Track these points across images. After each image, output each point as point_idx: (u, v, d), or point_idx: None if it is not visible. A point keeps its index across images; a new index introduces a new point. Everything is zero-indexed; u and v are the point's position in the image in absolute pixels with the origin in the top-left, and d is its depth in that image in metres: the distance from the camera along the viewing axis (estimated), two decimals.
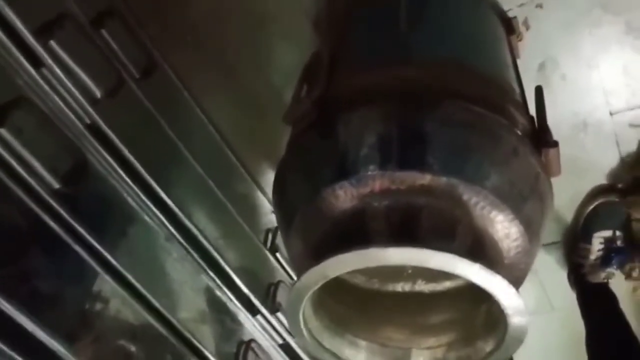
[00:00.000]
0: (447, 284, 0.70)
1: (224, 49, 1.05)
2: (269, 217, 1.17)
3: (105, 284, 0.73)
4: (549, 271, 1.33)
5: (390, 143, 0.54)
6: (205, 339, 0.90)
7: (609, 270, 1.22)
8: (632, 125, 1.13)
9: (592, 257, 1.23)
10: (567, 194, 1.23)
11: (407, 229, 0.52)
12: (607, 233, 1.22)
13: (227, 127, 1.06)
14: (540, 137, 0.62)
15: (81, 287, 0.72)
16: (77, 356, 0.65)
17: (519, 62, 0.79)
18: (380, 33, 0.69)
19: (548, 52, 1.05)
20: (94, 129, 0.72)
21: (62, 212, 0.66)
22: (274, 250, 1.12)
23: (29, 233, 0.64)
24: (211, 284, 0.95)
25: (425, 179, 0.53)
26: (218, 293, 0.96)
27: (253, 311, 1.02)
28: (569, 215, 1.27)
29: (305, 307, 0.57)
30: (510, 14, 0.87)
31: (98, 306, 0.72)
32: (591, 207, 1.23)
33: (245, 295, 1.00)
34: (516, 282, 0.53)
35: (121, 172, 0.77)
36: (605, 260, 1.22)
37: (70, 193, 0.67)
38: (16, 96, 0.63)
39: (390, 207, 0.53)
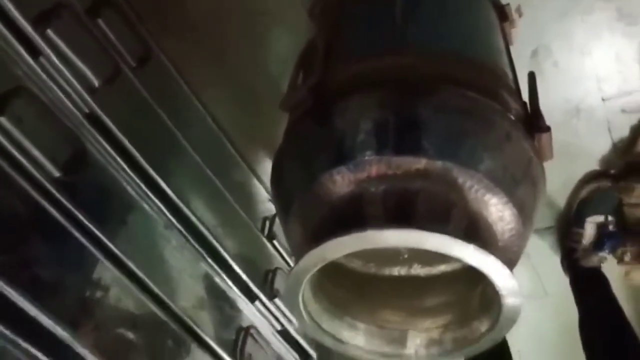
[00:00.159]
0: (442, 268, 0.71)
1: (219, 37, 1.05)
2: (266, 205, 1.18)
3: (106, 271, 0.74)
4: (543, 256, 1.34)
5: (387, 129, 0.55)
6: (205, 325, 0.92)
7: (602, 254, 1.24)
8: (624, 111, 1.15)
9: (585, 241, 1.24)
10: (560, 180, 1.25)
11: (403, 212, 0.53)
12: (600, 218, 1.23)
13: (224, 116, 1.07)
14: (533, 122, 0.63)
15: (82, 273, 0.72)
16: (80, 342, 0.66)
17: (512, 48, 0.79)
18: (375, 21, 0.70)
19: (541, 39, 1.05)
20: (92, 118, 0.73)
21: (62, 200, 0.67)
22: (271, 237, 1.14)
23: (30, 221, 0.65)
24: (210, 271, 0.96)
25: (421, 163, 0.54)
26: (217, 280, 0.97)
27: (251, 298, 1.03)
28: (562, 200, 1.28)
29: (305, 291, 0.59)
30: (503, 1, 0.87)
31: (99, 293, 0.73)
32: (584, 192, 1.24)
33: (244, 282, 1.01)
34: (510, 263, 0.54)
35: (120, 160, 0.78)
36: (598, 244, 1.23)
37: (70, 181, 0.68)
38: (15, 86, 0.63)
39: (387, 191, 0.54)
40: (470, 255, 0.50)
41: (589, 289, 1.24)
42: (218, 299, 0.99)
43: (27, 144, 0.62)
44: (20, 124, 0.62)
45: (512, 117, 0.60)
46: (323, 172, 0.56)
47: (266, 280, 1.07)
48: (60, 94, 0.69)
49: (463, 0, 0.77)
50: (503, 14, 0.83)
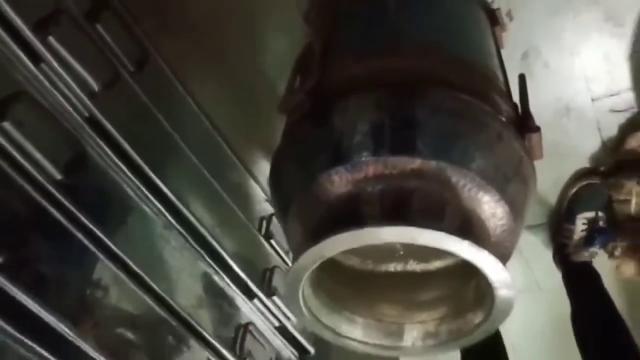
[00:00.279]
0: (437, 264, 0.73)
1: (216, 40, 1.06)
2: (263, 205, 1.19)
3: (106, 270, 0.75)
4: (535, 252, 1.36)
5: (383, 130, 0.57)
6: (205, 322, 0.93)
7: (592, 249, 1.26)
8: (613, 111, 1.17)
9: (576, 237, 1.26)
10: (551, 177, 1.27)
11: (399, 210, 0.55)
12: (590, 214, 1.26)
13: (221, 118, 1.08)
14: (523, 122, 0.65)
15: (83, 272, 0.74)
16: (82, 338, 0.68)
17: (503, 51, 0.81)
18: (370, 24, 0.72)
19: (531, 41, 1.07)
20: (92, 122, 0.74)
21: (63, 201, 0.68)
22: (268, 236, 1.15)
23: (32, 221, 0.66)
24: (209, 270, 0.97)
25: (416, 163, 0.56)
26: (216, 278, 0.99)
27: (250, 295, 1.05)
28: (553, 197, 1.31)
29: (304, 287, 0.60)
30: (494, 6, 0.89)
31: (100, 292, 0.75)
32: (574, 189, 1.26)
33: (242, 280, 1.03)
34: (502, 258, 0.56)
35: (119, 162, 0.79)
36: (589, 240, 1.25)
37: (71, 183, 0.69)
38: (17, 90, 0.65)
39: (384, 190, 0.56)
40: (464, 250, 0.52)
41: (581, 283, 1.26)
42: (217, 297, 1.00)
43: (28, 147, 0.64)
44: (22, 127, 0.63)
45: (503, 119, 0.62)
46: (321, 173, 0.58)
47: (264, 279, 1.09)
48: (61, 99, 0.71)
49: (455, 4, 0.79)
50: (494, 18, 0.85)
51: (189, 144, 0.95)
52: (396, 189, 0.56)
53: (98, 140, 0.75)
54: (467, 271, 0.61)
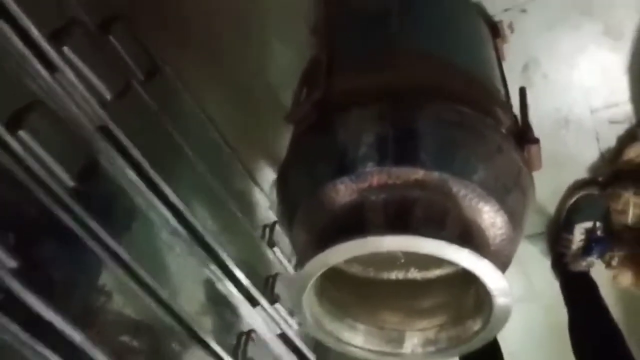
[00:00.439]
0: (437, 272, 0.75)
1: (223, 52, 1.08)
2: (266, 214, 1.21)
3: (113, 275, 0.77)
4: (534, 261, 1.38)
5: (387, 142, 0.59)
6: (208, 329, 0.95)
7: (590, 259, 1.27)
8: (612, 122, 1.19)
9: (574, 247, 1.28)
10: (549, 188, 1.28)
11: (402, 219, 0.57)
12: (588, 224, 1.27)
13: (226, 127, 1.10)
14: (522, 134, 0.67)
15: (91, 277, 0.75)
16: (89, 342, 0.69)
17: (504, 63, 0.84)
18: (374, 38, 0.74)
19: (531, 54, 1.09)
20: (104, 131, 0.76)
21: (75, 207, 0.70)
22: (271, 244, 1.17)
23: (46, 227, 0.68)
24: (213, 277, 0.99)
25: (419, 173, 0.58)
26: (219, 285, 1.00)
27: (253, 302, 1.06)
28: (551, 207, 1.32)
29: (309, 294, 0.62)
30: (496, 19, 0.91)
31: (106, 296, 0.76)
32: (573, 199, 1.28)
33: (245, 287, 1.04)
34: (501, 267, 0.58)
35: (129, 170, 0.81)
36: (587, 249, 1.27)
37: (83, 190, 0.71)
38: (32, 100, 0.66)
39: (387, 199, 0.58)
40: (464, 259, 0.54)
41: (578, 292, 1.28)
42: (220, 303, 1.02)
43: (43, 155, 0.65)
44: (37, 136, 0.65)
45: (503, 130, 0.64)
46: (327, 182, 0.60)
47: (267, 286, 1.10)
48: (75, 108, 0.72)
49: (458, 17, 0.81)
50: (496, 31, 0.87)
51: (195, 152, 0.97)
52: (399, 199, 0.58)
53: (109, 148, 0.77)
54: (467, 279, 0.63)
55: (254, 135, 1.18)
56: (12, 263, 0.59)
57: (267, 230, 1.19)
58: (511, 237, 0.62)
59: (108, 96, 0.75)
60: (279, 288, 1.11)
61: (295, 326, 1.12)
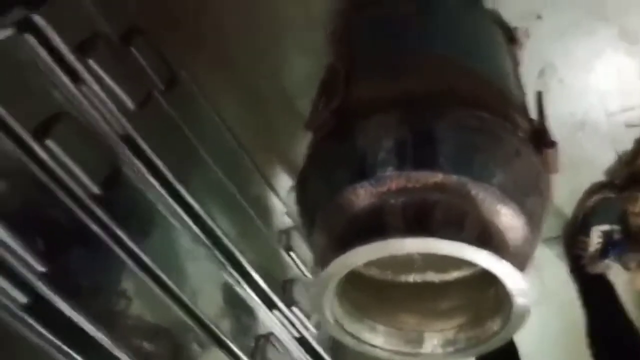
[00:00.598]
0: (455, 274, 0.75)
1: (240, 60, 1.10)
2: (283, 219, 1.23)
3: (137, 279, 0.78)
4: (550, 264, 1.38)
5: (406, 146, 0.60)
6: (227, 331, 0.96)
7: (607, 262, 1.27)
8: (628, 125, 1.19)
9: (591, 249, 1.28)
10: (566, 191, 1.28)
11: (421, 221, 0.58)
12: (605, 227, 1.27)
13: (242, 133, 1.12)
14: (540, 138, 0.68)
15: (116, 281, 0.77)
16: (114, 344, 0.71)
17: (520, 69, 0.84)
18: (391, 45, 0.75)
19: (547, 59, 1.10)
20: (127, 139, 0.78)
21: (100, 214, 0.72)
22: (288, 249, 1.18)
23: (73, 233, 0.70)
24: (232, 281, 1.00)
25: (438, 177, 0.59)
26: (238, 289, 1.02)
27: (271, 306, 1.07)
28: (568, 210, 1.32)
29: (330, 295, 0.63)
30: (512, 25, 0.92)
31: (129, 300, 0.78)
32: (589, 202, 1.28)
33: (263, 291, 1.05)
34: (520, 267, 0.59)
35: (151, 178, 0.83)
36: (604, 252, 1.26)
37: (107, 197, 0.73)
38: (59, 111, 0.68)
39: (406, 203, 0.59)
40: (484, 260, 0.55)
41: (596, 295, 1.27)
42: (239, 307, 1.03)
43: (69, 163, 0.67)
44: (63, 145, 0.67)
45: (521, 134, 0.65)
46: (347, 187, 0.61)
47: (284, 290, 1.11)
48: (99, 118, 0.75)
49: (474, 24, 0.82)
50: (512, 37, 0.88)
51: (213, 158, 0.99)
52: (418, 202, 0.59)
53: (132, 156, 0.79)
54: (484, 281, 0.64)
55: (270, 141, 1.20)
56: (42, 268, 0.61)
57: (284, 235, 1.20)
58: (529, 239, 0.63)
59: (131, 106, 0.77)
60: (296, 292, 1.12)
61: (313, 329, 1.13)
